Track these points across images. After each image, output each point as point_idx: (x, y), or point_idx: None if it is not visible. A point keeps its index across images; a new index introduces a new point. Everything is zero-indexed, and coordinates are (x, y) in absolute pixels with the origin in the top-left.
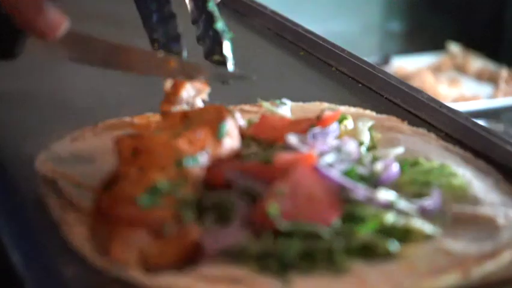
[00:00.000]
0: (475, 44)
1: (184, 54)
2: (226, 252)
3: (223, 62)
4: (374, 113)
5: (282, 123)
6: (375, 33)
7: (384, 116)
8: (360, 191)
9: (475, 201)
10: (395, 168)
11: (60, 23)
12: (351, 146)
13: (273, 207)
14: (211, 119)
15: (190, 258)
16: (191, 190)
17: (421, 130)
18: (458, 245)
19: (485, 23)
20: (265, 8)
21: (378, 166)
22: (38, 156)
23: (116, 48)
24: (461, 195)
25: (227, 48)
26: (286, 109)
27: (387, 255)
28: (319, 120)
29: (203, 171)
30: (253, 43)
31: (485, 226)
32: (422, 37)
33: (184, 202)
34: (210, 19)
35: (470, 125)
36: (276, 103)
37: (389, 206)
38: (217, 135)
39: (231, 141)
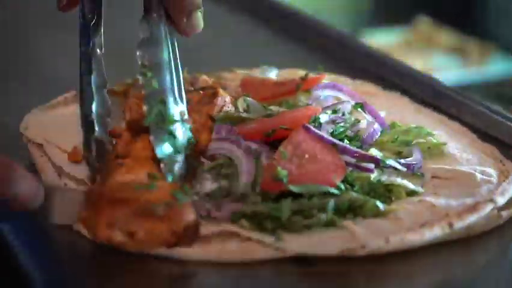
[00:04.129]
0: (443, 16)
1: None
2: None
3: None
4: (349, 79)
5: (266, 84)
6: (344, 8)
7: (358, 82)
8: (351, 150)
9: (452, 159)
10: (376, 128)
11: (33, 196)
12: (347, 107)
13: (282, 172)
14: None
15: (185, 238)
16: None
17: (395, 94)
18: (441, 200)
19: None
20: None
21: (361, 126)
22: (22, 123)
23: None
24: (438, 154)
25: None
26: (273, 74)
27: (374, 213)
28: (304, 81)
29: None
30: (227, 17)
31: (464, 183)
32: (390, 11)
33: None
34: None
35: (443, 88)
36: (264, 68)
37: (378, 164)
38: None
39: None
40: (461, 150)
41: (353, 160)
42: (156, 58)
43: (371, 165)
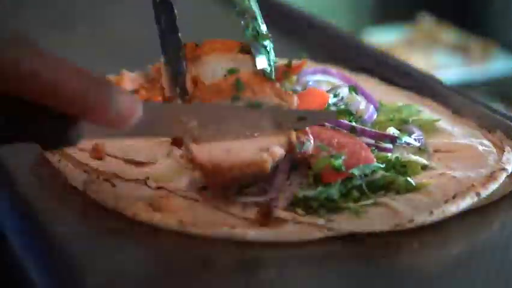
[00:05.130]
0: (445, 14)
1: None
2: None
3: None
4: (314, 62)
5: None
6: (346, 5)
7: (327, 65)
8: (369, 131)
9: (446, 134)
10: (373, 108)
11: (132, 111)
12: (345, 90)
13: (337, 162)
14: None
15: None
16: None
17: (363, 75)
18: (458, 173)
19: None
20: None
21: (361, 106)
22: None
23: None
24: (432, 129)
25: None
26: None
27: (407, 188)
28: (288, 68)
29: None
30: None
31: (468, 154)
32: (392, 9)
33: None
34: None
35: (409, 69)
36: None
37: (395, 142)
38: None
39: None
40: (450, 124)
41: (371, 141)
42: None
43: (389, 145)
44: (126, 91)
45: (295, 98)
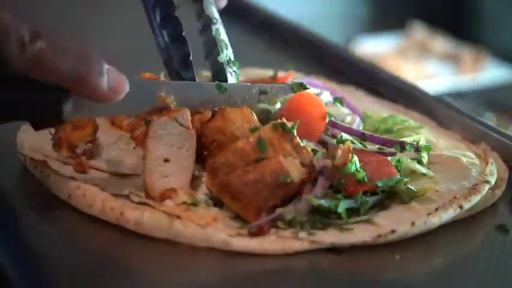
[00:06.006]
0: (437, 22)
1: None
2: None
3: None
4: (300, 74)
5: None
6: (339, 15)
7: (311, 76)
8: (378, 138)
9: (432, 145)
10: (359, 119)
11: (122, 85)
12: (326, 95)
13: (360, 174)
14: None
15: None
16: None
17: (350, 87)
18: (441, 185)
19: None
20: None
21: (347, 119)
22: (17, 143)
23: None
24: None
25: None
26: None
27: (411, 195)
28: (274, 80)
29: None
30: None
31: (452, 166)
32: (384, 17)
33: None
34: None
35: (394, 80)
36: None
37: (404, 148)
38: None
39: None
40: (434, 136)
41: (374, 147)
42: (215, 14)
43: (393, 150)
44: (115, 69)
45: (311, 153)
